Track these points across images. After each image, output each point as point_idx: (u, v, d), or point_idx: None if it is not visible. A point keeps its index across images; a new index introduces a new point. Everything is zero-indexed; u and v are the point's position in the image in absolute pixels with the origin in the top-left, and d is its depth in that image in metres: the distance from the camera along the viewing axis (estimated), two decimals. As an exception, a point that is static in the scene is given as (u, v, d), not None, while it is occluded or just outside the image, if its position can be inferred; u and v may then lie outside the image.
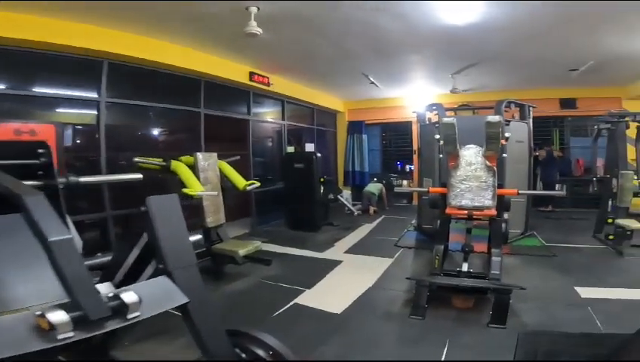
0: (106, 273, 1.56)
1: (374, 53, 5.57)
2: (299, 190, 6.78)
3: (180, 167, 3.66)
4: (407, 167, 10.36)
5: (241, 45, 5.14)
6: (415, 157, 9.17)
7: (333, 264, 4.71)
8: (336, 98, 9.79)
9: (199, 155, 4.04)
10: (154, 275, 1.29)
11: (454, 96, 7.70)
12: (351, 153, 10.29)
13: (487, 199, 3.75)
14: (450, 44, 5.05)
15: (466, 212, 3.79)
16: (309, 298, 3.66)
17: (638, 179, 4.65)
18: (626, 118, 4.78)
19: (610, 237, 4.96)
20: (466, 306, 3.30)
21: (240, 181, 4.17)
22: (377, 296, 3.67)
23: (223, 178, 4.27)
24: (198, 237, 1.88)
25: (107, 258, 1.59)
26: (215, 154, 4.29)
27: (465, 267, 3.77)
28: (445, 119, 3.26)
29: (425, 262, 4.66)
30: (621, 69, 6.26)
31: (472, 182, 3.82)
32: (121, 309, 0.98)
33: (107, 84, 4.37)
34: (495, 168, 3.75)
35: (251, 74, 6.33)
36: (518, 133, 5.13)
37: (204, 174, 3.98)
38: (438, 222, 4.46)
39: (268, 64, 6.30)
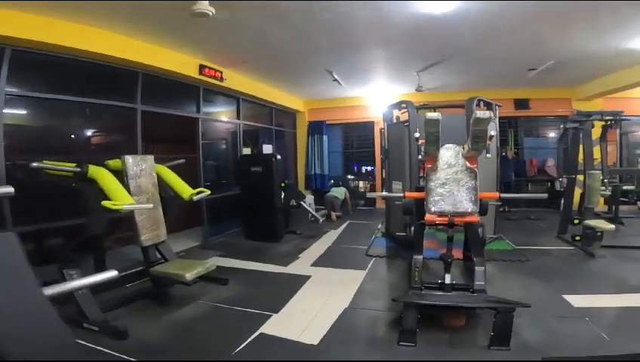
0: None
1: (340, 46, 5.13)
2: (257, 196, 6.13)
3: (100, 173, 2.88)
4: (364, 168, 10.14)
5: (190, 34, 4.49)
6: (379, 158, 8.93)
7: (300, 280, 4.15)
8: (296, 97, 9.26)
9: (128, 159, 3.28)
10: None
11: (416, 95, 7.53)
12: (312, 155, 9.81)
13: (469, 204, 3.43)
14: (419, 38, 4.76)
15: (447, 219, 3.45)
16: (277, 325, 3.06)
17: (604, 179, 4.65)
18: (592, 117, 4.78)
19: (577, 238, 4.93)
20: (458, 324, 2.93)
21: (185, 189, 3.46)
22: (357, 319, 3.17)
23: (164, 186, 3.54)
24: (110, 274, 1.29)
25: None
26: (151, 157, 3.56)
27: (448, 279, 3.41)
28: (430, 114, 2.86)
29: (400, 273, 4.28)
30: (574, 69, 6.43)
31: (452, 185, 3.48)
32: None
33: (9, 74, 3.50)
34: (476, 170, 3.46)
35: (201, 67, 5.62)
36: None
37: (136, 182, 3.23)
38: (413, 229, 4.12)
39: (221, 57, 5.62)
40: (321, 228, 6.81)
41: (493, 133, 3.11)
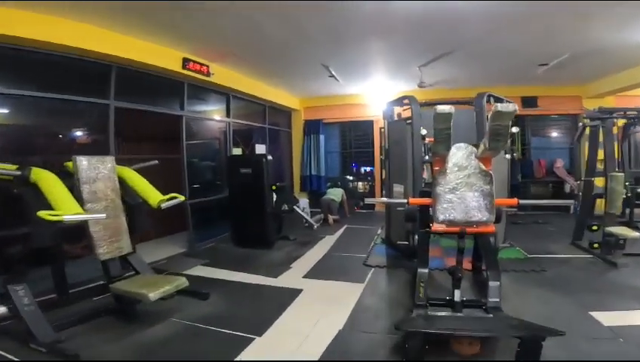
0: None
1: (336, 38, 4.70)
2: (247, 199, 5.69)
3: (44, 176, 2.43)
4: (362, 169, 9.72)
5: (171, 24, 4.05)
6: (379, 158, 8.49)
7: (290, 294, 3.70)
8: (291, 94, 8.80)
9: (81, 160, 2.83)
10: None
11: (418, 92, 7.06)
12: (308, 155, 9.36)
13: (484, 212, 2.98)
14: (422, 28, 4.33)
15: (459, 228, 3.01)
16: (259, 351, 2.61)
17: (626, 182, 4.21)
18: (614, 115, 4.35)
19: (595, 245, 4.51)
20: (472, 352, 2.49)
21: (152, 195, 2.99)
22: (353, 343, 2.71)
23: (130, 191, 3.06)
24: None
25: None
26: (111, 158, 3.10)
27: (457, 295, 2.98)
28: (441, 107, 2.42)
29: (402, 286, 3.83)
30: (587, 65, 6.02)
31: (464, 190, 3.03)
32: None
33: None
34: (492, 173, 3.02)
35: (185, 60, 5.16)
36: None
37: (91, 187, 2.76)
38: (417, 238, 3.68)
39: (208, 50, 5.16)
40: (317, 234, 6.36)
41: (515, 129, 2.67)
